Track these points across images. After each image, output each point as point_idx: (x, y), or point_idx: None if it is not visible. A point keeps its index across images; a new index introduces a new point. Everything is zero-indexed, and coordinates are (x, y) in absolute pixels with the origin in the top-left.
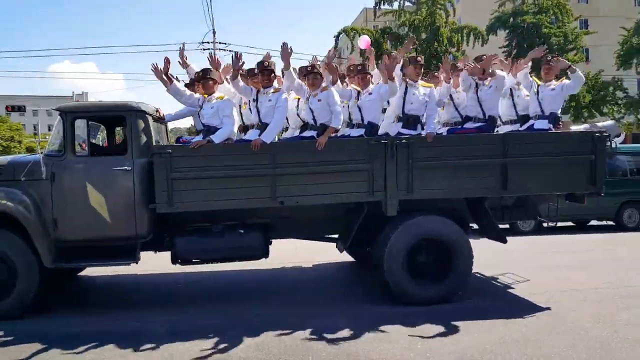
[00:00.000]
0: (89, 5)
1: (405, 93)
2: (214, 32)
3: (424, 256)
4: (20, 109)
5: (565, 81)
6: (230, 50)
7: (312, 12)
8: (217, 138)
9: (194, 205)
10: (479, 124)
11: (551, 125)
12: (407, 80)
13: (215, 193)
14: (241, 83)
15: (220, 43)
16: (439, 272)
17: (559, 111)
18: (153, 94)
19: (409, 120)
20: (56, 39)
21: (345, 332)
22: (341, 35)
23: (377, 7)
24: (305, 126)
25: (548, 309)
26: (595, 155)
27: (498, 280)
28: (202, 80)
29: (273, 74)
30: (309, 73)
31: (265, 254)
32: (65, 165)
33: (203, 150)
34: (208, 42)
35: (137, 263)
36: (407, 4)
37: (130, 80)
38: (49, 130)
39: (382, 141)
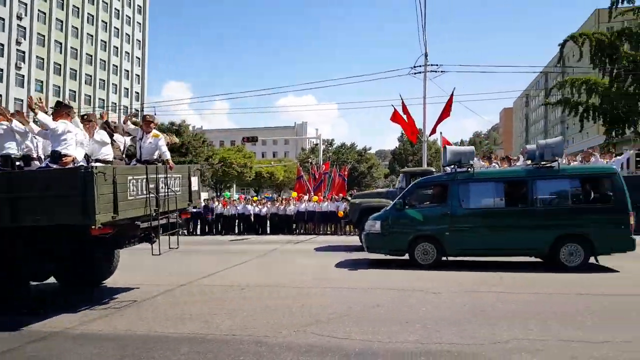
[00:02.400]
0: (306, 42)
1: None
2: (426, 55)
3: None
4: (253, 139)
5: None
6: (442, 72)
7: (534, 16)
8: None
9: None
10: None
11: (48, 162)
12: None
13: None
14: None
15: (431, 65)
16: None
17: (60, 148)
18: (362, 120)
19: None
20: (282, 76)
21: None
22: (567, 43)
23: (614, 7)
24: None
25: None
26: (84, 189)
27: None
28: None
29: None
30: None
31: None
32: None
33: None
34: (420, 66)
35: None
36: None
37: (342, 110)
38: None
39: None
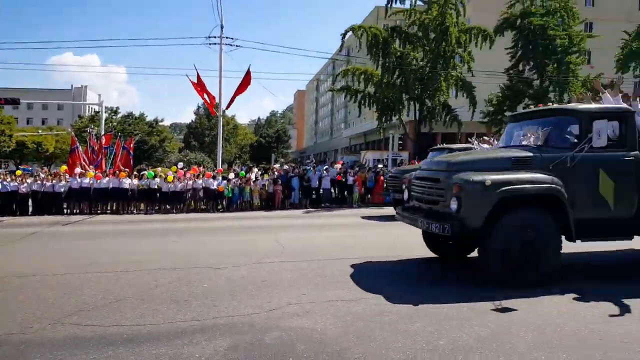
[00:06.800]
0: None
1: None
2: (222, 27)
3: None
4: (15, 102)
5: None
6: (237, 46)
7: (324, 10)
8: None
9: None
10: None
11: None
12: None
13: None
14: None
15: (227, 38)
16: None
17: None
18: (154, 88)
19: None
20: (57, 30)
21: None
22: (348, 34)
23: (389, 5)
24: None
25: None
26: None
27: None
28: None
29: None
30: None
31: None
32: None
33: None
34: (215, 37)
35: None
36: (418, 2)
37: (132, 74)
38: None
39: None
